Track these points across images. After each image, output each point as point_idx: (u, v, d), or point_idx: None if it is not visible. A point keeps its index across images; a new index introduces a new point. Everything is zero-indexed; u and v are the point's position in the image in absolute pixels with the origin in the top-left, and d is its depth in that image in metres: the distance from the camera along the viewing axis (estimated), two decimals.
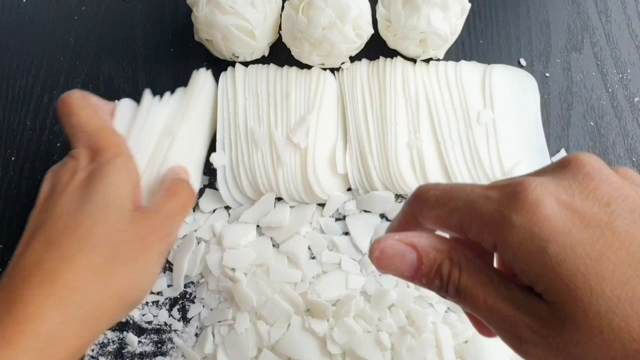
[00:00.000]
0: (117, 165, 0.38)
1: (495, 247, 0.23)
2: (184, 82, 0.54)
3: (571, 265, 0.20)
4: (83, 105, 0.40)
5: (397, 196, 0.49)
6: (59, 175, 0.38)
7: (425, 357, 0.41)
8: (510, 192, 0.22)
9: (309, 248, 0.47)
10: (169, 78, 0.55)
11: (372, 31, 0.51)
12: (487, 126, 0.50)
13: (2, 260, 0.47)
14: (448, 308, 0.45)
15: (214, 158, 0.48)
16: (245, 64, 0.53)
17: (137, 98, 0.53)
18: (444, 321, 0.44)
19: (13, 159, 0.51)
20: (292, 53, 0.52)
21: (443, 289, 0.24)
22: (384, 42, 0.53)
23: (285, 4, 0.51)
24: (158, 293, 0.46)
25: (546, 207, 0.21)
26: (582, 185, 0.22)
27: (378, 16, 0.52)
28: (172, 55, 0.56)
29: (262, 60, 0.53)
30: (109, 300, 0.34)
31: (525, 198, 0.22)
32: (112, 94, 0.54)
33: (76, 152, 0.39)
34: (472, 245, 0.25)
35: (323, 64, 0.52)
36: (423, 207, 0.26)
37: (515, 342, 0.23)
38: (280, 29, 0.52)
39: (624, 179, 0.23)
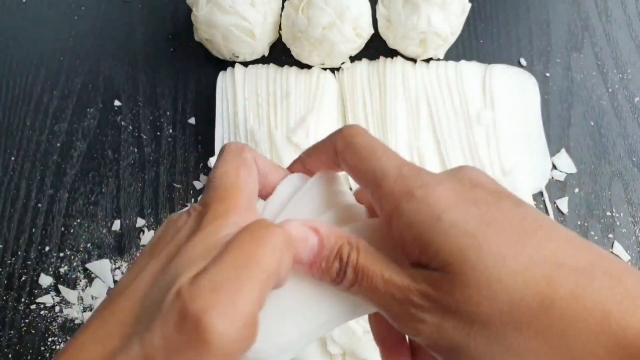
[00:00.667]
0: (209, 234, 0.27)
1: (391, 215, 0.25)
2: (184, 82, 0.54)
3: (461, 229, 0.23)
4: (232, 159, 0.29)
5: None
6: (165, 230, 0.27)
7: None
8: (415, 174, 0.25)
9: None
10: (169, 78, 0.55)
11: (372, 31, 0.51)
12: (487, 126, 0.50)
13: (1, 260, 0.47)
14: None
15: (212, 161, 0.48)
16: (245, 63, 0.53)
17: (137, 98, 0.53)
18: None
19: (13, 158, 0.51)
20: (292, 53, 0.52)
21: (341, 273, 0.25)
22: (384, 42, 0.53)
23: (285, 4, 0.51)
24: None
25: (443, 188, 0.25)
26: (471, 180, 0.26)
27: (378, 16, 0.52)
28: (172, 55, 0.56)
29: (262, 60, 0.53)
30: None
31: (426, 179, 0.25)
32: (111, 94, 0.54)
33: (192, 205, 0.28)
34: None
35: (323, 64, 0.52)
36: (347, 148, 0.27)
37: (409, 315, 0.24)
38: (280, 28, 0.52)
39: None
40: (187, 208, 0.27)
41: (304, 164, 0.29)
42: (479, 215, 0.23)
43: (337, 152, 0.27)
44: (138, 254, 0.47)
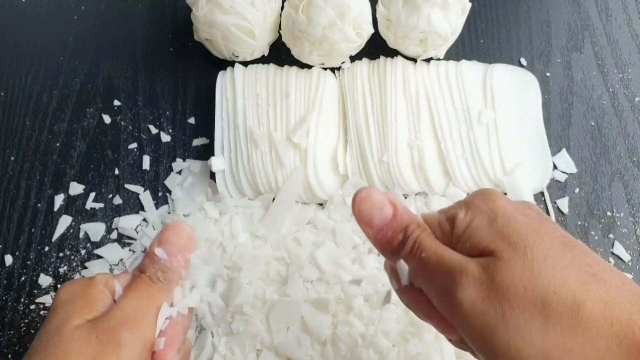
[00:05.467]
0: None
1: (452, 221, 0.29)
2: (184, 82, 0.54)
3: (513, 229, 0.26)
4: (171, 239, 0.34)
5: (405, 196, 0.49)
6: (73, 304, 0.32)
7: (426, 357, 0.41)
8: (475, 193, 0.30)
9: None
10: (169, 78, 0.54)
11: (372, 30, 0.51)
12: (488, 126, 0.50)
13: (1, 260, 0.47)
14: None
15: (212, 162, 0.48)
16: (245, 63, 0.53)
17: (137, 98, 0.53)
18: None
19: (12, 158, 0.51)
20: (292, 53, 0.52)
21: (401, 244, 0.29)
22: (384, 41, 0.53)
23: (285, 4, 0.51)
24: None
25: (501, 198, 0.28)
26: (522, 202, 0.29)
27: (378, 16, 0.52)
28: (172, 55, 0.56)
29: (262, 60, 0.53)
30: None
31: (486, 192, 0.29)
32: (111, 94, 0.54)
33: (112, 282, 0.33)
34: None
35: (323, 64, 0.52)
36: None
37: (450, 291, 0.26)
38: (280, 28, 0.52)
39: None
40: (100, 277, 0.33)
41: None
42: (528, 223, 0.26)
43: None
44: (138, 254, 0.47)
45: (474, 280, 0.25)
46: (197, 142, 0.52)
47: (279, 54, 0.53)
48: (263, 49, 0.53)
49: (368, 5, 0.51)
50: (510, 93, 0.52)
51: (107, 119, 0.53)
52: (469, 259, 0.26)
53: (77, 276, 0.46)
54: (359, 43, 0.51)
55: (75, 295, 0.32)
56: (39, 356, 0.30)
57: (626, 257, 0.47)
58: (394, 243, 0.29)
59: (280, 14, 0.52)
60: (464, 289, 0.25)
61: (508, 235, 0.26)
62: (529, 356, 0.24)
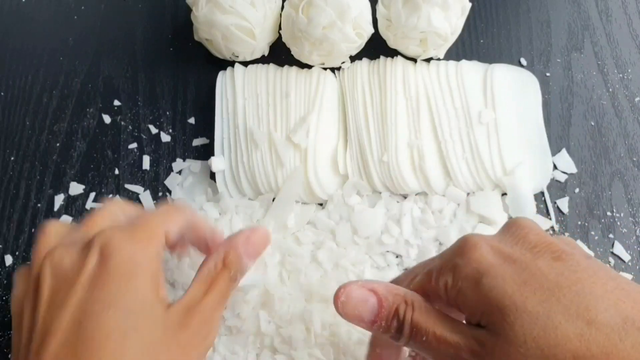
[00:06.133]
0: (133, 258, 0.31)
1: (446, 291, 0.28)
2: (184, 82, 0.54)
3: (500, 290, 0.25)
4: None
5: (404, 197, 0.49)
6: (63, 264, 0.30)
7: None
8: (456, 246, 0.28)
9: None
10: (169, 78, 0.54)
11: (372, 30, 0.51)
12: (488, 126, 0.50)
13: (1, 260, 0.47)
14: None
15: (212, 162, 0.48)
16: (245, 63, 0.53)
17: (137, 98, 0.53)
18: None
19: (12, 158, 0.51)
20: (292, 53, 0.52)
21: (399, 330, 0.28)
22: (384, 41, 0.53)
23: (285, 4, 0.51)
24: None
25: (481, 249, 0.27)
26: (513, 235, 0.28)
27: (378, 16, 0.52)
28: (172, 55, 0.56)
29: (262, 60, 0.53)
30: None
31: (465, 244, 0.28)
32: (111, 94, 0.54)
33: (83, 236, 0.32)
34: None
35: (323, 64, 0.52)
36: (395, 283, 0.32)
37: None
38: (280, 28, 0.52)
39: (559, 239, 0.28)
40: (65, 230, 0.33)
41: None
42: (517, 274, 0.25)
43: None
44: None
45: (479, 355, 0.25)
46: (197, 142, 0.52)
47: (279, 54, 0.53)
48: (263, 49, 0.53)
49: (368, 5, 0.51)
50: (511, 93, 0.52)
51: (107, 119, 0.53)
52: (468, 334, 0.26)
53: None
54: (359, 43, 0.51)
55: (138, 266, 0.30)
56: (136, 334, 0.29)
57: (626, 257, 0.47)
58: (391, 331, 0.29)
59: (280, 14, 0.52)
60: None
61: (496, 300, 0.25)
62: None
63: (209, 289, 0.33)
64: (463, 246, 0.28)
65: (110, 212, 0.34)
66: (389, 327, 0.29)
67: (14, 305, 0.32)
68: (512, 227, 0.29)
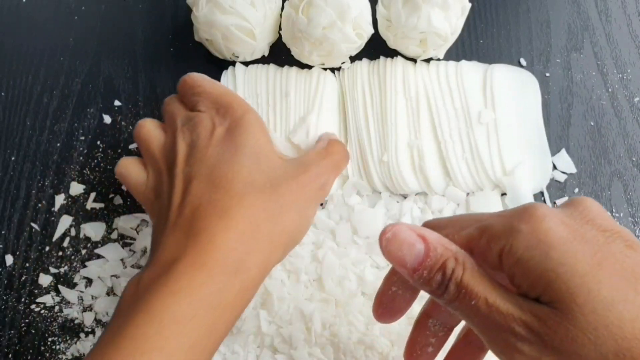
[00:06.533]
0: (252, 120, 0.40)
1: (500, 256, 0.25)
2: None
3: (571, 268, 0.23)
4: (203, 78, 0.44)
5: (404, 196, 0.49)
6: (197, 132, 0.39)
7: None
8: (520, 209, 0.26)
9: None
10: (169, 78, 0.55)
11: (372, 31, 0.51)
12: (488, 126, 0.50)
13: (2, 260, 0.47)
14: None
15: None
16: (246, 63, 0.53)
17: (137, 98, 0.54)
18: None
19: (13, 158, 0.51)
20: (292, 53, 0.52)
21: (442, 286, 0.26)
22: (384, 42, 0.53)
23: (285, 4, 0.51)
24: None
25: (551, 221, 0.24)
26: (582, 215, 0.25)
27: (378, 16, 0.52)
28: (172, 55, 0.56)
29: (262, 60, 0.53)
30: (279, 237, 0.36)
31: (533, 212, 0.25)
32: (111, 94, 0.54)
33: (206, 112, 0.41)
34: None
35: (323, 64, 0.52)
36: (434, 228, 0.28)
37: (507, 342, 0.24)
38: (280, 28, 0.52)
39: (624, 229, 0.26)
40: (188, 118, 0.41)
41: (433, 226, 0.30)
42: (590, 255, 0.23)
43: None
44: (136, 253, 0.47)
45: (529, 340, 0.23)
46: None
47: (279, 54, 0.53)
48: (263, 49, 0.53)
49: (368, 5, 0.51)
50: (510, 93, 0.52)
51: (107, 119, 0.53)
52: (525, 307, 0.23)
53: (77, 277, 0.46)
54: (359, 43, 0.51)
55: (256, 124, 0.41)
56: (259, 170, 0.38)
57: None
58: (432, 285, 0.26)
59: (281, 15, 0.52)
60: (521, 347, 0.23)
61: (565, 278, 0.23)
62: None
63: (326, 155, 0.42)
64: (531, 213, 0.25)
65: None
66: (430, 279, 0.26)
67: (138, 187, 0.41)
68: (580, 206, 0.26)
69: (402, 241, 0.27)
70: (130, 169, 0.41)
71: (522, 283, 0.24)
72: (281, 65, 0.53)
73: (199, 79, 0.44)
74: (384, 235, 0.28)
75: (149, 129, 0.42)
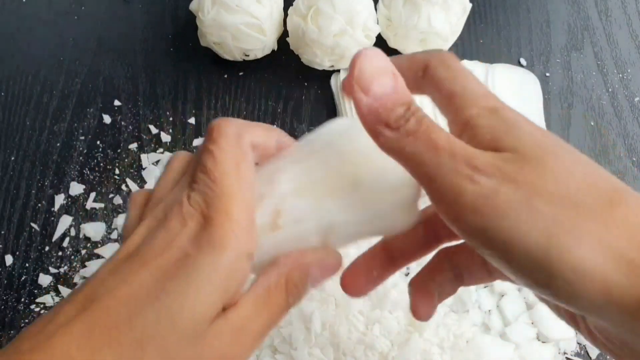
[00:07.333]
0: (214, 261, 0.24)
1: (469, 120, 0.24)
2: (184, 82, 0.54)
3: (540, 135, 0.23)
4: (224, 136, 0.26)
5: None
6: (155, 232, 0.25)
7: (426, 357, 0.41)
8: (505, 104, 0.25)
9: None
10: (169, 78, 0.54)
11: (379, 29, 0.51)
12: None
13: (1, 260, 0.47)
14: (449, 309, 0.45)
15: None
16: (256, 61, 0.53)
17: (137, 98, 0.53)
18: (444, 322, 0.44)
19: (13, 158, 0.51)
20: (302, 60, 0.52)
21: (402, 119, 0.24)
22: (385, 41, 0.53)
23: (289, 11, 0.51)
24: None
25: (524, 119, 0.24)
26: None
27: (379, 15, 0.52)
28: (172, 55, 0.56)
29: (272, 56, 0.53)
30: None
31: (511, 111, 0.25)
32: (111, 94, 0.54)
33: (189, 206, 0.25)
34: None
35: (333, 66, 0.52)
36: (441, 65, 0.27)
37: (461, 175, 0.22)
38: (284, 24, 0.52)
39: None
40: (176, 207, 0.25)
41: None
42: (553, 139, 0.23)
43: (429, 66, 0.26)
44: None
45: (487, 173, 0.22)
46: (197, 142, 0.52)
47: (287, 47, 0.53)
48: (272, 45, 0.53)
49: (372, 5, 0.51)
50: (512, 93, 0.52)
51: (107, 119, 0.53)
52: (488, 152, 0.23)
53: (77, 277, 0.46)
54: (369, 44, 0.51)
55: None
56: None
57: None
58: (391, 115, 0.24)
59: (284, 9, 0.52)
60: (477, 178, 0.22)
61: (537, 141, 0.22)
62: (558, 236, 0.21)
63: (263, 308, 0.26)
64: (508, 107, 0.25)
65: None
66: (392, 109, 0.24)
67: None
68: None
69: (377, 66, 0.24)
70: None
71: (486, 137, 0.23)
72: (290, 62, 0.53)
73: (223, 126, 0.26)
74: (362, 52, 0.25)
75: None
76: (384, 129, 0.24)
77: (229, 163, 0.25)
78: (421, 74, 0.26)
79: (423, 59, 0.27)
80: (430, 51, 0.27)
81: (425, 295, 0.31)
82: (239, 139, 0.26)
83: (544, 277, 0.21)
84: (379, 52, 0.25)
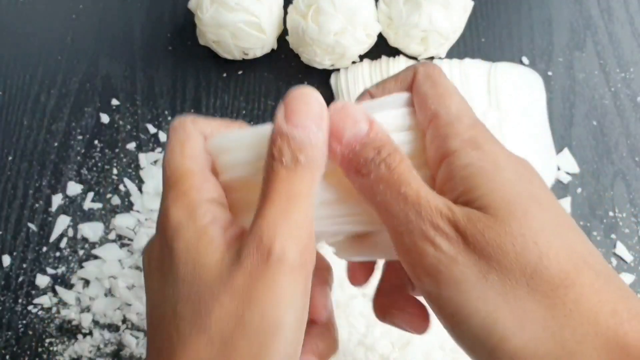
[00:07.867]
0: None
1: (448, 154, 0.24)
2: (183, 81, 0.54)
3: (516, 187, 0.23)
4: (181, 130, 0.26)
5: None
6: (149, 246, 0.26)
7: (427, 359, 0.41)
8: (490, 135, 0.25)
9: None
10: (168, 77, 0.54)
11: (380, 28, 0.51)
12: (492, 126, 0.50)
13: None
14: None
15: None
16: (255, 60, 0.52)
17: (135, 97, 0.53)
18: None
19: (10, 158, 0.51)
20: (302, 59, 0.52)
21: (372, 163, 0.23)
22: (386, 40, 0.53)
23: (289, 9, 0.51)
24: None
25: (508, 157, 0.24)
26: (518, 160, 0.25)
27: (379, 13, 0.51)
28: (171, 54, 0.55)
29: (272, 54, 0.53)
30: None
31: (497, 146, 0.25)
32: (109, 93, 0.53)
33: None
34: None
35: (333, 65, 0.51)
36: (427, 79, 0.28)
37: (424, 235, 0.22)
38: (284, 23, 0.52)
39: None
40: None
41: (372, 95, 0.28)
42: (528, 188, 0.23)
43: (415, 79, 0.27)
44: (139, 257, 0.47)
45: (449, 237, 0.22)
46: None
47: (287, 45, 0.53)
48: (272, 43, 0.52)
49: (373, 3, 0.50)
50: (515, 92, 0.52)
51: (105, 118, 0.52)
52: (456, 209, 0.22)
53: (74, 278, 0.46)
54: (369, 43, 0.50)
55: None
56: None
57: (628, 257, 0.46)
58: (360, 159, 0.23)
59: (283, 7, 0.52)
60: (439, 242, 0.22)
61: (509, 195, 0.22)
62: (504, 319, 0.21)
63: (265, 200, 0.23)
64: (493, 139, 0.24)
65: None
66: (362, 152, 0.24)
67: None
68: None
69: (349, 115, 0.24)
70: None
71: (459, 186, 0.23)
72: (290, 61, 0.52)
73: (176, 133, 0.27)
74: (333, 106, 0.24)
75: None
76: (355, 174, 0.24)
77: (173, 149, 0.25)
78: (410, 86, 0.27)
79: (410, 71, 0.27)
80: (417, 64, 0.27)
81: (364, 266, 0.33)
82: (182, 126, 0.26)
83: (484, 356, 0.22)
84: (351, 103, 0.25)
